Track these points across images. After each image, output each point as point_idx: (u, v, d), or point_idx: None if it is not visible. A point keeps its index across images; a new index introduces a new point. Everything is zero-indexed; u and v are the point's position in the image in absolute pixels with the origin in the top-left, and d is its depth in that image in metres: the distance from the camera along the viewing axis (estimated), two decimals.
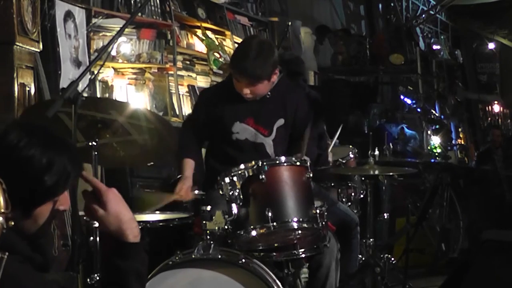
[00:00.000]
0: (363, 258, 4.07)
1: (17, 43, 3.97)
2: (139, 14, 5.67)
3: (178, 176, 4.62)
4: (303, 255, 3.08)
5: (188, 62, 6.46)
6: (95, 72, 4.30)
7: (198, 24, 6.55)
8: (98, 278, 2.67)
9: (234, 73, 3.34)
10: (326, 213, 2.99)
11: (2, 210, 1.49)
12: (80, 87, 2.69)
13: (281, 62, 3.48)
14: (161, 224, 3.34)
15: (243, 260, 2.85)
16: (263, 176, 2.89)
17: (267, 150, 3.41)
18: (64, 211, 1.80)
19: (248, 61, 3.23)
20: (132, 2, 5.70)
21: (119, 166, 4.53)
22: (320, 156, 4.07)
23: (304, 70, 4.99)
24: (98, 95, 5.30)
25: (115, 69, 5.69)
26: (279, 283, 2.87)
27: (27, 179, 1.66)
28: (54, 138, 1.75)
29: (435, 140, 9.40)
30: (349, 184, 4.28)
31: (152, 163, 4.11)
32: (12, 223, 1.53)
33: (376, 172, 3.93)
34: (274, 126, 3.41)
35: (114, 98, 5.30)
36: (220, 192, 2.97)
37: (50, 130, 1.78)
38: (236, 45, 6.72)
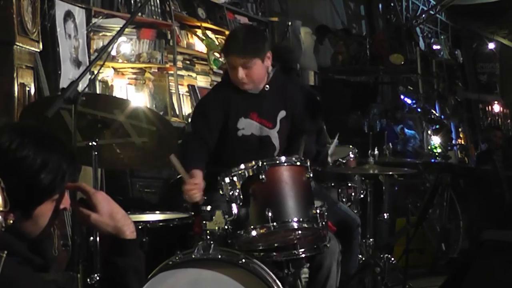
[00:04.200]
0: (363, 258, 4.06)
1: (17, 43, 3.97)
2: (139, 14, 5.67)
3: (178, 176, 4.63)
4: (303, 255, 3.08)
5: (188, 62, 6.46)
6: (95, 72, 4.30)
7: (198, 24, 6.55)
8: (98, 278, 2.67)
9: (226, 57, 3.37)
10: (326, 213, 2.99)
11: (1, 209, 1.49)
12: (80, 87, 2.69)
13: (274, 55, 3.48)
14: (161, 224, 3.34)
15: (243, 260, 2.84)
16: (263, 176, 2.89)
17: (273, 142, 3.42)
18: (64, 210, 1.80)
19: (238, 40, 3.30)
20: (132, 2, 5.70)
21: (119, 168, 4.53)
22: (319, 153, 4.06)
23: (294, 58, 5.00)
24: None
25: (115, 69, 5.69)
26: (279, 283, 2.87)
27: (23, 180, 1.66)
28: (47, 137, 1.75)
29: (435, 140, 9.39)
30: (349, 184, 4.27)
31: (151, 165, 4.10)
32: (11, 221, 1.53)
33: (376, 172, 3.93)
34: (277, 118, 3.43)
35: (115, 96, 5.30)
36: (220, 192, 2.97)
37: (43, 129, 1.78)
38: None
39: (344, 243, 3.46)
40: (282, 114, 3.45)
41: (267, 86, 3.40)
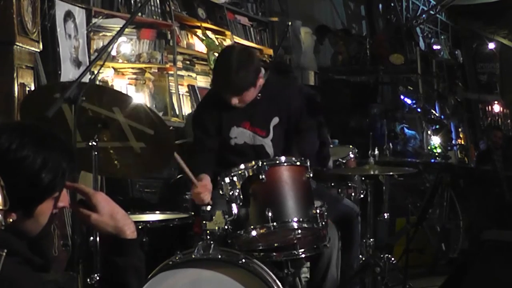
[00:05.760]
0: (363, 258, 4.06)
1: (17, 43, 3.97)
2: (139, 14, 5.67)
3: (178, 176, 4.63)
4: (303, 255, 3.09)
5: (188, 62, 6.46)
6: (95, 72, 4.29)
7: (198, 24, 6.55)
8: (98, 278, 2.67)
9: (218, 89, 3.34)
10: (326, 213, 2.99)
11: (1, 207, 1.49)
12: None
13: (270, 62, 3.48)
14: (161, 224, 3.34)
15: (243, 260, 2.85)
16: (263, 176, 2.89)
17: (267, 151, 3.41)
18: (63, 208, 1.80)
19: (230, 76, 3.21)
20: (132, 2, 5.70)
21: (116, 177, 4.48)
22: (323, 145, 3.99)
23: (290, 68, 4.97)
24: None
25: (115, 69, 5.69)
26: (279, 283, 2.87)
27: (24, 179, 1.66)
28: (47, 136, 1.76)
29: (435, 140, 9.40)
30: (349, 184, 4.27)
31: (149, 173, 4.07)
32: (11, 220, 1.53)
33: (376, 172, 3.92)
34: (270, 125, 3.42)
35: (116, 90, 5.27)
36: (220, 192, 2.97)
37: (42, 128, 1.78)
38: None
39: (345, 233, 3.45)
40: (275, 121, 3.43)
41: (259, 94, 3.38)
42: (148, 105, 5.71)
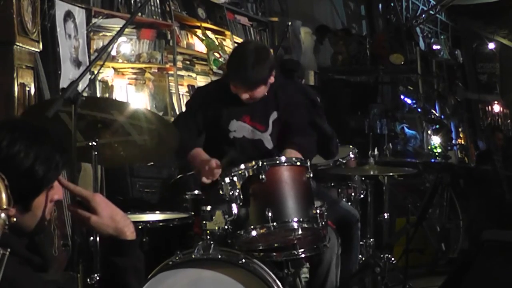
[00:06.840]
0: (363, 258, 4.06)
1: (17, 43, 3.97)
2: (139, 14, 5.67)
3: (178, 176, 4.64)
4: (303, 255, 3.09)
5: (188, 62, 6.46)
6: (95, 72, 4.30)
7: (198, 24, 6.55)
8: (98, 278, 2.67)
9: (232, 81, 3.35)
10: (326, 213, 2.99)
11: (5, 207, 1.50)
12: (80, 87, 2.69)
13: (277, 63, 3.50)
14: (161, 224, 3.34)
15: (243, 260, 2.85)
16: (263, 176, 2.89)
17: (266, 145, 3.42)
18: (62, 205, 1.82)
19: (246, 70, 3.25)
20: (132, 2, 5.70)
21: (119, 166, 4.53)
22: (330, 139, 3.95)
23: (300, 70, 4.96)
24: (98, 95, 5.31)
25: (115, 69, 5.69)
26: (279, 283, 2.88)
27: (19, 175, 1.68)
28: (37, 130, 1.78)
29: (435, 140, 9.39)
30: (349, 184, 4.27)
31: (152, 163, 4.08)
32: (15, 219, 1.54)
33: (376, 172, 3.92)
34: (269, 120, 3.43)
35: (114, 98, 5.30)
36: (220, 192, 2.97)
37: (32, 123, 1.80)
38: (236, 46, 6.74)
39: (344, 239, 3.46)
40: (274, 115, 3.44)
41: None
42: (148, 105, 5.74)
